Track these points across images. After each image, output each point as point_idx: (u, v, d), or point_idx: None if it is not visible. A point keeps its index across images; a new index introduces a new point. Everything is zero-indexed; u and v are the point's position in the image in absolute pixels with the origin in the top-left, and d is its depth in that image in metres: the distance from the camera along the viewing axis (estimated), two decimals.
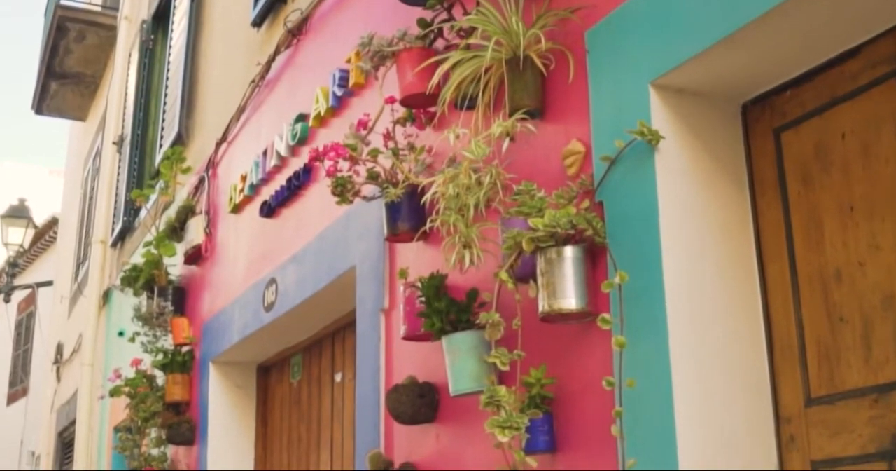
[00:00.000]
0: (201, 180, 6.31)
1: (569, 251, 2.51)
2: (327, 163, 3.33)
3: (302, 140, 4.68)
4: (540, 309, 2.52)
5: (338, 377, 4.82)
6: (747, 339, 2.39)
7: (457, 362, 2.86)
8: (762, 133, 2.52)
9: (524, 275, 2.71)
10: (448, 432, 3.19)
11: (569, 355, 2.61)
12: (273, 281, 4.80)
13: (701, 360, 2.30)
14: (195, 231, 6.11)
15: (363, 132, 3.43)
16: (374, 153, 3.34)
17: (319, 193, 4.46)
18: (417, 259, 3.47)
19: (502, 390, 2.36)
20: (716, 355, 2.33)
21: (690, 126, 2.49)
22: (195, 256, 6.11)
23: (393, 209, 3.39)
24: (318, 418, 5.00)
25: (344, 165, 3.40)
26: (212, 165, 6.19)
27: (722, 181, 2.49)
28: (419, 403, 3.22)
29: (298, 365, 5.34)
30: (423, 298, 3.01)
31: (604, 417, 2.46)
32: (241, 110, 5.71)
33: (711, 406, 2.28)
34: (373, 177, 3.43)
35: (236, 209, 5.51)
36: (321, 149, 3.31)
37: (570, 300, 2.48)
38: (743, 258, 2.45)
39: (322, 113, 4.41)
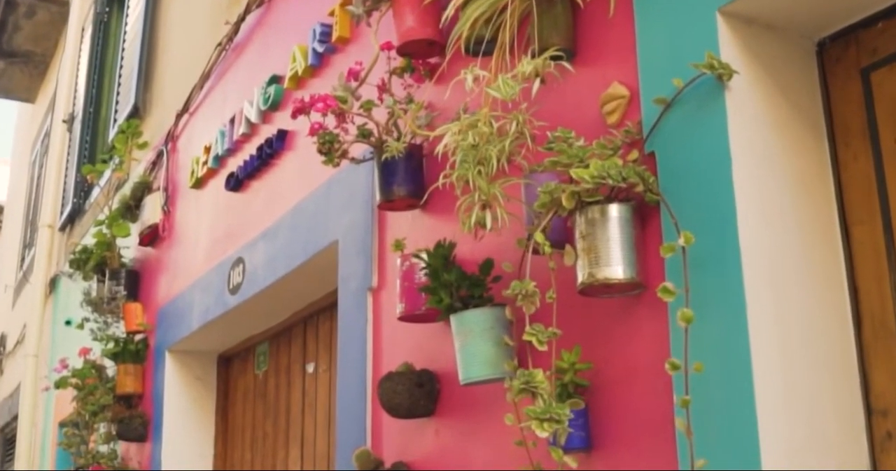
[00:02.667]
0: (159, 155, 5.83)
1: (615, 210, 2.09)
2: (314, 116, 2.89)
3: (275, 104, 4.22)
4: (579, 279, 2.10)
5: (310, 368, 4.37)
6: (832, 314, 1.99)
7: (469, 345, 2.43)
8: (845, 74, 2.12)
9: (554, 241, 2.30)
10: (450, 428, 2.77)
11: (610, 335, 2.20)
12: (240, 261, 4.34)
13: (785, 339, 1.90)
14: (151, 210, 5.63)
15: (354, 84, 2.99)
16: (368, 105, 2.91)
17: (296, 161, 4.02)
18: (414, 230, 3.03)
19: (539, 374, 1.93)
20: (800, 332, 1.93)
21: (763, 63, 2.08)
22: (151, 237, 5.63)
23: (388, 171, 2.96)
24: (286, 413, 4.55)
25: (331, 123, 2.96)
26: (171, 138, 5.71)
27: (799, 128, 2.09)
28: (417, 393, 2.79)
29: (265, 354, 4.88)
30: (426, 271, 2.58)
31: (655, 408, 2.05)
32: (205, 77, 5.24)
33: (797, 394, 1.88)
34: (364, 135, 2.99)
35: (198, 184, 5.04)
36: (307, 99, 2.86)
37: (616, 268, 2.06)
38: (823, 219, 2.05)
39: (300, 72, 3.96)
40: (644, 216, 2.14)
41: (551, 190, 2.08)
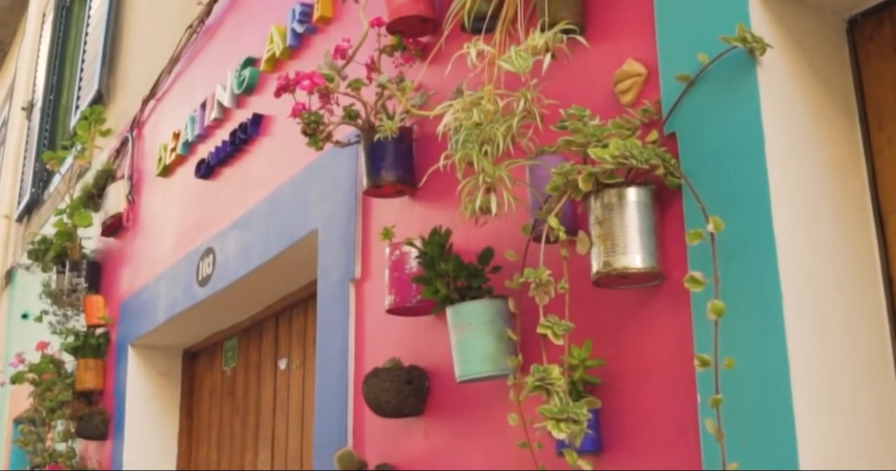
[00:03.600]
0: (124, 142, 5.60)
1: (633, 194, 1.94)
2: (299, 95, 2.71)
3: (250, 88, 4.03)
4: (594, 269, 1.94)
5: (282, 364, 4.18)
6: (868, 307, 1.85)
7: (467, 340, 2.26)
8: (878, 53, 1.98)
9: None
10: (441, 428, 2.60)
11: (624, 329, 2.04)
12: (210, 251, 4.14)
13: (823, 333, 1.75)
14: (115, 198, 5.40)
15: (340, 62, 2.81)
16: (357, 84, 2.73)
17: (272, 147, 3.83)
18: (403, 219, 2.86)
19: (555, 370, 1.77)
20: (838, 326, 1.78)
21: (794, 40, 1.94)
22: (114, 227, 5.40)
23: (377, 155, 2.79)
24: (255, 412, 4.35)
25: (315, 105, 2.78)
26: (137, 124, 5.49)
27: (831, 109, 1.94)
28: (406, 390, 2.62)
29: (233, 350, 4.68)
30: (420, 260, 2.41)
31: (675, 407, 1.90)
32: (174, 61, 5.03)
33: (838, 392, 1.73)
34: (351, 117, 2.82)
35: (166, 172, 4.83)
36: (291, 76, 2.68)
37: (634, 257, 1.91)
38: (857, 206, 1.91)
39: (277, 54, 3.77)
40: (663, 202, 1.99)
41: (566, 171, 1.92)
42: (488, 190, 2.09)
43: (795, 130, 1.86)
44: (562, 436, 1.72)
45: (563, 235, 1.91)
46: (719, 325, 1.73)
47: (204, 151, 4.40)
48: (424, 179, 2.60)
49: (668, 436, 1.90)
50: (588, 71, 2.27)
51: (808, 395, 1.69)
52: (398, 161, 2.79)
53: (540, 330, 1.82)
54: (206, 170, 4.29)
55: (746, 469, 1.68)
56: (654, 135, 2.00)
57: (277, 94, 2.72)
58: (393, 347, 2.82)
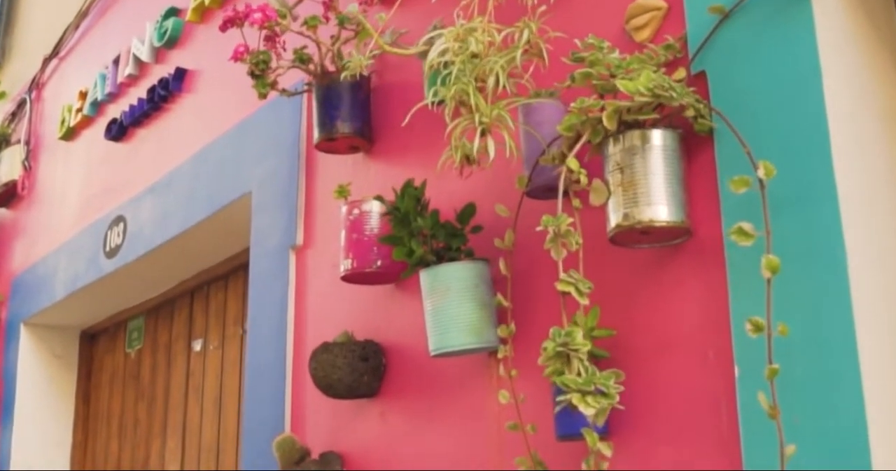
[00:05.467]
0: (20, 105, 5.13)
1: (660, 137, 1.68)
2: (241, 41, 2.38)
3: (173, 40, 3.66)
4: (611, 222, 1.68)
5: (196, 345, 3.82)
6: None
7: (446, 307, 1.97)
8: None
9: (545, 186, 1.90)
10: (400, 410, 2.30)
11: (641, 294, 1.78)
12: (120, 219, 3.75)
13: (889, 296, 1.52)
14: (9, 166, 4.95)
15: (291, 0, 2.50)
16: (314, 22, 2.41)
17: (196, 104, 3.48)
18: (357, 178, 2.55)
19: (580, 334, 1.49)
20: None
21: None
22: (7, 196, 4.94)
23: (331, 105, 2.48)
24: (164, 397, 3.98)
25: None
26: (36, 85, 5.03)
27: (879, 48, 1.71)
28: (361, 368, 2.32)
29: (139, 330, 4.28)
30: (393, 217, 2.10)
31: (702, 383, 1.65)
32: (82, 15, 4.60)
33: None
34: (302, 60, 2.51)
35: (70, 135, 4.41)
36: (241, 8, 2.36)
37: (659, 208, 1.65)
38: None
39: (207, 2, 3.42)
40: (689, 150, 1.74)
41: (587, 106, 1.65)
42: (484, 133, 1.81)
43: (853, 69, 1.62)
44: (590, 412, 1.45)
45: (584, 180, 1.64)
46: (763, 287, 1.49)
47: (115, 110, 4.01)
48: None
49: (695, 416, 1.65)
50: (593, 6, 2.01)
51: (878, 365, 1.45)
52: (355, 112, 2.49)
53: (561, 287, 1.54)
54: (118, 131, 3.91)
55: (806, 456, 1.43)
56: (681, 73, 1.74)
57: (223, 27, 2.39)
58: (342, 320, 2.51)
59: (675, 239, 1.71)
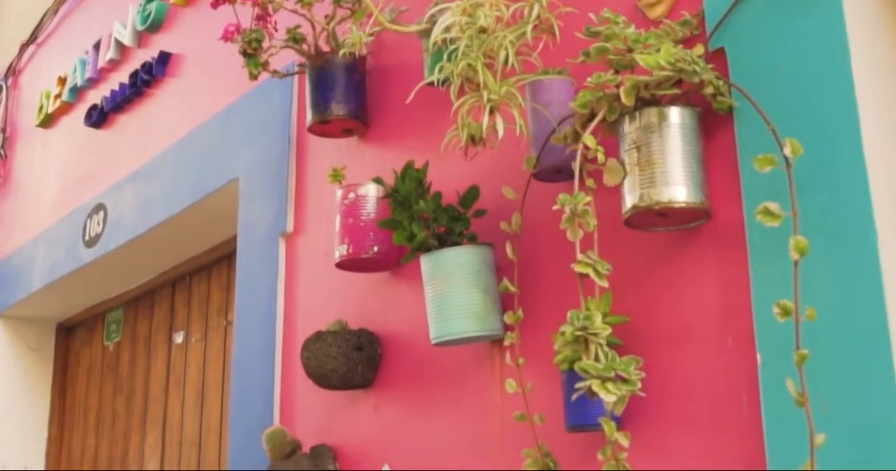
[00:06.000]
0: None
1: (677, 114, 1.62)
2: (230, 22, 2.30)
3: (157, 24, 3.57)
4: (627, 204, 1.61)
5: (178, 337, 3.72)
6: None
7: (448, 294, 1.90)
8: None
9: (554, 166, 1.83)
10: (395, 401, 2.22)
11: (655, 279, 1.71)
12: (101, 207, 3.65)
13: None
14: None
15: None
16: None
17: (181, 89, 3.39)
18: (351, 163, 2.46)
19: (599, 318, 1.42)
20: None
21: None
22: None
23: (325, 86, 2.40)
24: (144, 391, 3.88)
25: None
26: (12, 72, 4.91)
27: None
28: (356, 358, 2.24)
29: (118, 323, 4.18)
30: (393, 200, 2.02)
31: (719, 370, 1.58)
32: (61, 1, 4.49)
33: None
34: (296, 40, 2.42)
35: (48, 122, 4.31)
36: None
37: (678, 189, 1.58)
38: None
39: None
40: (707, 128, 1.67)
41: (603, 81, 1.57)
42: (492, 111, 1.73)
43: (882, 44, 1.56)
44: (611, 399, 1.37)
45: (601, 157, 1.56)
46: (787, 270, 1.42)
47: (96, 96, 3.90)
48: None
49: (714, 405, 1.58)
50: None
51: None
52: (350, 94, 2.41)
53: (579, 269, 1.46)
54: (99, 117, 3.81)
55: (837, 447, 1.37)
56: (698, 50, 1.67)
57: (215, 4, 2.30)
58: (334, 309, 2.43)
59: (693, 221, 1.64)
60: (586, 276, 1.45)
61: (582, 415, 1.65)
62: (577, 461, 1.73)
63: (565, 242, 1.83)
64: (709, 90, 1.62)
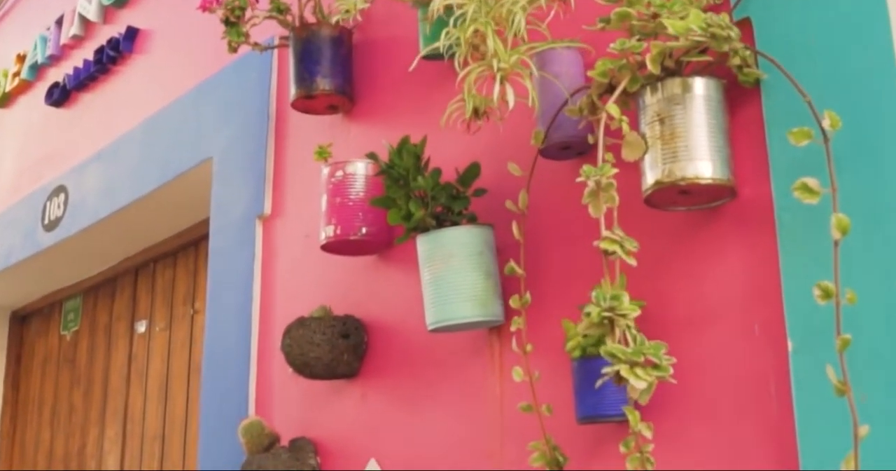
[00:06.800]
0: None
1: (702, 85, 1.51)
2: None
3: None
4: (649, 180, 1.51)
5: (140, 327, 3.57)
6: None
7: (448, 276, 1.78)
8: None
9: (565, 142, 1.73)
10: (383, 392, 2.10)
11: (674, 261, 1.61)
12: (62, 189, 3.49)
13: None
14: None
15: None
16: None
17: (149, 65, 3.24)
18: (336, 142, 2.34)
19: (626, 298, 1.32)
20: None
21: None
22: None
23: (310, 59, 2.28)
24: (103, 382, 3.71)
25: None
26: None
27: None
28: (342, 346, 2.11)
29: (76, 311, 4.01)
30: (389, 176, 1.89)
31: (744, 358, 1.49)
32: None
33: None
34: (280, 10, 2.30)
35: (5, 101, 4.13)
36: None
37: (703, 164, 1.48)
38: None
39: None
40: (732, 101, 1.57)
41: (627, 48, 1.47)
42: (502, 80, 1.62)
43: None
44: (642, 385, 1.27)
45: (626, 128, 1.46)
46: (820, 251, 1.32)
47: (58, 74, 3.74)
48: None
49: (739, 396, 1.48)
50: None
51: None
52: (337, 68, 2.29)
53: (605, 245, 1.35)
54: (61, 95, 3.64)
55: (878, 435, 1.27)
56: (723, 19, 1.57)
57: None
58: (316, 294, 2.31)
59: (718, 200, 1.55)
60: (612, 254, 1.34)
61: (596, 405, 1.54)
62: (586, 456, 1.63)
63: (570, 222, 1.74)
64: (735, 61, 1.52)
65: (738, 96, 1.57)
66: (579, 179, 1.40)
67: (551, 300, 1.74)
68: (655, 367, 1.28)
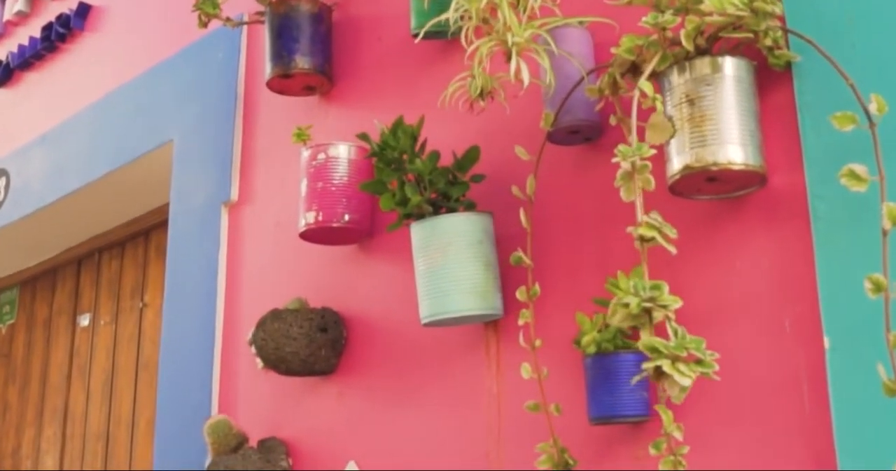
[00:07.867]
0: None
1: (732, 66, 1.43)
2: None
3: None
4: (676, 165, 1.41)
5: (84, 320, 3.39)
6: None
7: (446, 266, 1.67)
8: None
9: (575, 126, 1.63)
10: (363, 391, 1.98)
11: (699, 252, 1.52)
12: (2, 173, 3.29)
13: None
14: None
15: None
16: None
17: (102, 44, 3.08)
18: (314, 125, 2.21)
19: (666, 289, 1.22)
20: None
21: None
22: None
23: (288, 36, 2.15)
24: (41, 379, 3.52)
25: None
26: None
27: None
28: (320, 340, 1.99)
29: (12, 304, 3.80)
30: (383, 158, 1.77)
31: (773, 355, 1.40)
32: None
33: None
34: None
35: None
36: None
37: (733, 149, 1.39)
38: None
39: None
40: (761, 85, 1.49)
41: (660, 22, 1.37)
42: (516, 56, 1.51)
43: None
44: (686, 382, 1.17)
45: (660, 107, 1.36)
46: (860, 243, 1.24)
47: (0, 52, 3.54)
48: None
49: (769, 396, 1.39)
50: None
51: None
52: (316, 46, 2.16)
53: (643, 231, 1.25)
54: (3, 74, 3.45)
55: None
56: None
57: None
58: (288, 286, 2.17)
59: (746, 188, 1.46)
60: (651, 240, 1.24)
61: (612, 405, 1.44)
62: (596, 459, 1.53)
63: (576, 211, 1.65)
64: (767, 42, 1.44)
65: (768, 79, 1.48)
66: (615, 160, 1.29)
67: (555, 293, 1.64)
68: (698, 362, 1.18)
